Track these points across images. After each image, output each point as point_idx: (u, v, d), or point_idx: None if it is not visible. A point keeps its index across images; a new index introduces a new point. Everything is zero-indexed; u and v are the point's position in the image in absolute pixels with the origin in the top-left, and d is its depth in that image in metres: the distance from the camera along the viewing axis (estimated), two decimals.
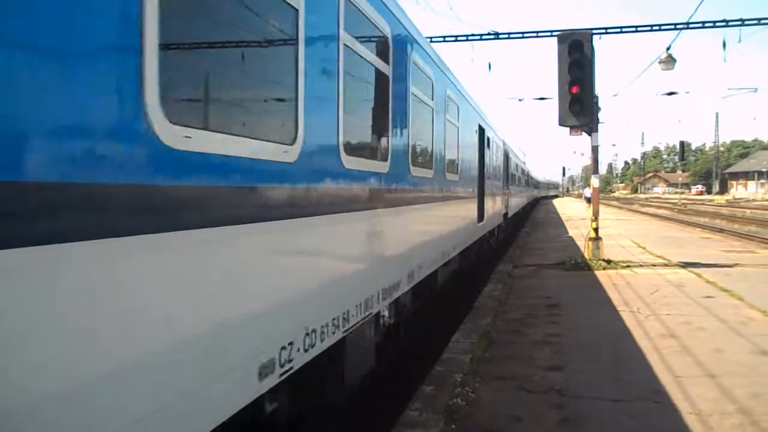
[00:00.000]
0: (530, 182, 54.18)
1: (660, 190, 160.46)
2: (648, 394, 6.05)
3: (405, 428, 5.32)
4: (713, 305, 10.21)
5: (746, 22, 25.10)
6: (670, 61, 22.39)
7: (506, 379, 6.62)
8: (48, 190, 2.02)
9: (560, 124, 14.45)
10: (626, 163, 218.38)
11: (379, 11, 5.61)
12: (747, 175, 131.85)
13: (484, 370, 6.91)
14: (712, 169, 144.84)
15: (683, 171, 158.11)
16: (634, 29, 26.25)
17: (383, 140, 6.05)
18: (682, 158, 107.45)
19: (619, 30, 26.00)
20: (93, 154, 2.21)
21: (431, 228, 8.67)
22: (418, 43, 7.41)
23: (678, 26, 25.10)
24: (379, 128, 5.99)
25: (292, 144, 3.80)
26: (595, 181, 16.85)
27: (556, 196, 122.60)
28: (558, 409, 5.71)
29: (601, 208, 18.18)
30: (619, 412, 5.61)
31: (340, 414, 5.66)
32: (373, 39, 5.64)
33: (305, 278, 4.14)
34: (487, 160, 15.52)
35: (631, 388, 6.23)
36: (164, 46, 2.51)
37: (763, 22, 25.18)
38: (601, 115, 16.60)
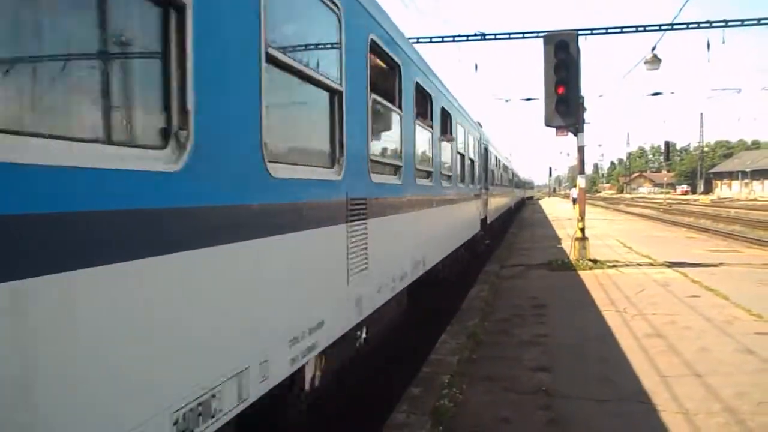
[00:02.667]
0: (498, 175, 26.87)
1: (645, 190, 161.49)
2: (635, 394, 6.05)
3: (392, 431, 5.29)
4: (699, 304, 10.26)
5: (729, 23, 25.32)
6: (655, 61, 22.56)
7: (493, 380, 6.60)
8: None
9: (546, 125, 14.49)
10: (612, 163, 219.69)
11: None
12: (731, 175, 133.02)
13: (471, 371, 6.89)
14: (696, 169, 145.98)
15: (668, 171, 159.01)
16: (619, 30, 26.41)
17: None
18: (667, 158, 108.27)
19: (604, 31, 26.16)
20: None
21: None
22: None
23: (663, 27, 25.29)
24: None
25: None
26: (581, 181, 16.90)
27: (531, 198, 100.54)
28: (545, 410, 5.69)
29: (588, 209, 18.25)
30: (607, 413, 5.61)
31: (327, 417, 5.62)
32: None
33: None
34: None
35: (618, 388, 6.23)
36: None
37: (746, 23, 25.42)
38: (587, 116, 16.71)
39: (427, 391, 6.19)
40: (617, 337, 8.28)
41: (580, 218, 16.36)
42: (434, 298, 11.01)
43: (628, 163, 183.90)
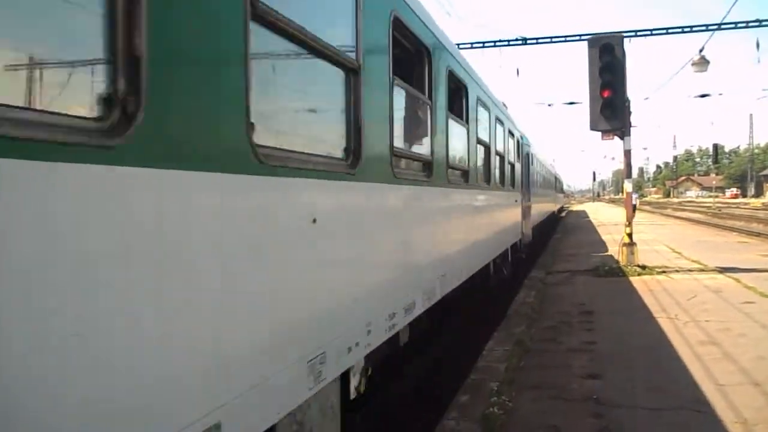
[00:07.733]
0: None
1: (693, 193, 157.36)
2: (689, 402, 5.91)
3: None
4: (754, 311, 9.96)
5: None
6: (702, 63, 22.03)
7: (542, 387, 6.53)
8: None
9: (592, 129, 14.32)
10: (658, 166, 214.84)
11: None
12: None
13: (519, 379, 6.84)
14: (746, 171, 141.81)
15: (717, 174, 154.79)
16: (664, 31, 25.91)
17: None
18: (716, 161, 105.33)
19: (649, 33, 25.69)
20: None
21: None
22: None
23: (710, 27, 24.69)
24: None
25: None
26: (628, 186, 16.60)
27: (559, 212, 53.61)
28: (596, 419, 5.61)
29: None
30: (660, 422, 5.50)
31: (376, 424, 5.64)
32: None
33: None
34: None
35: (672, 396, 6.09)
36: None
37: None
38: (632, 119, 16.39)
39: (476, 399, 6.17)
40: (669, 344, 8.10)
41: (627, 223, 16.10)
42: (476, 306, 10.95)
43: (674, 167, 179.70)
